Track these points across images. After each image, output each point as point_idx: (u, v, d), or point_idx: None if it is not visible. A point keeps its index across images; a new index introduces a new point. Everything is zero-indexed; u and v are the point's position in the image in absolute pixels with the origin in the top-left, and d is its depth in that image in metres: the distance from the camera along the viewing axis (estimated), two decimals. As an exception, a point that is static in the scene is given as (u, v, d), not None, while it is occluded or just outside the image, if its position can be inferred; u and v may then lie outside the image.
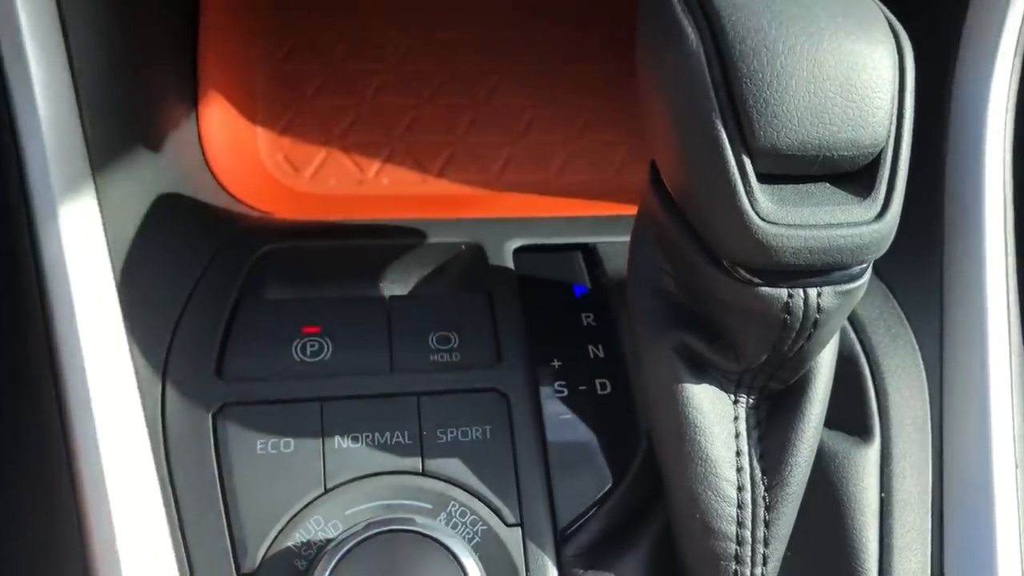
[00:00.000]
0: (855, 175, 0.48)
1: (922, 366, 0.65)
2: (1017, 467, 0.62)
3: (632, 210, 0.75)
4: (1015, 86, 0.70)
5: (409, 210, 0.75)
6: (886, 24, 0.48)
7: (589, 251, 0.70)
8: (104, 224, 0.59)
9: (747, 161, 0.45)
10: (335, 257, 0.68)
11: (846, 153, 0.46)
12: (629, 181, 0.82)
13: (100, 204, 0.60)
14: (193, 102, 0.76)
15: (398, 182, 0.80)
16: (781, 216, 0.46)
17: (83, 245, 0.58)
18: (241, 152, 0.78)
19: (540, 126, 0.85)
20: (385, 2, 0.91)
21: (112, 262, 0.59)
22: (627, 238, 0.66)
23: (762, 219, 0.45)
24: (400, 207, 0.76)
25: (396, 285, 0.68)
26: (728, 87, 0.45)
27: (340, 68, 0.86)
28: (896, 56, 0.47)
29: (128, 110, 0.66)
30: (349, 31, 0.88)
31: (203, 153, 0.75)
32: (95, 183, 0.60)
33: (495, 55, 0.89)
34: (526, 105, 0.86)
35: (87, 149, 0.60)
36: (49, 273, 0.57)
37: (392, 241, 0.68)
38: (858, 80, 0.45)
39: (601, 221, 0.73)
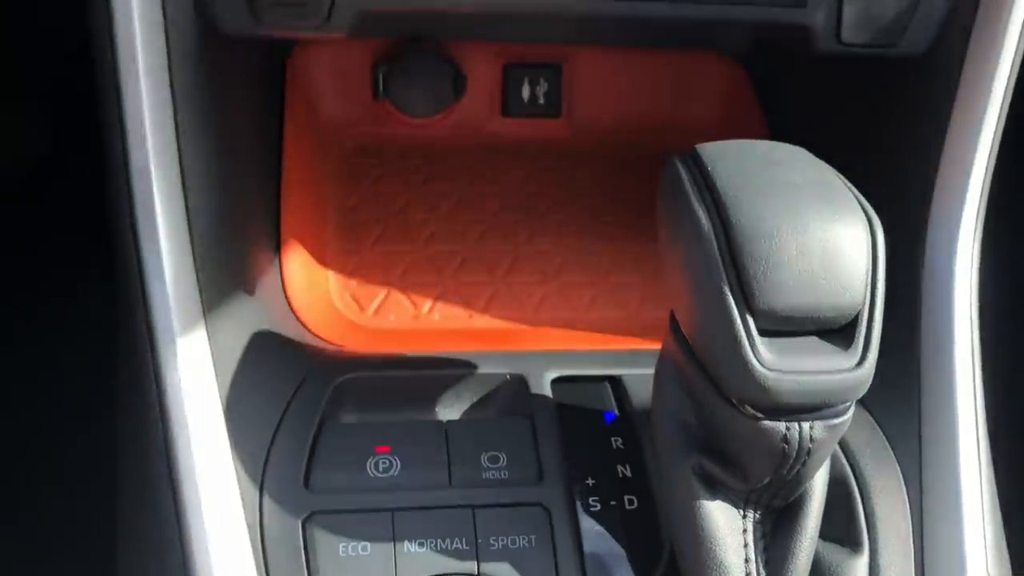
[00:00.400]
0: (838, 331, 0.59)
1: (904, 486, 0.75)
2: (988, 574, 0.71)
3: (650, 344, 0.87)
4: (978, 245, 0.83)
5: (458, 343, 0.87)
6: (859, 208, 0.60)
7: (617, 382, 0.81)
8: (213, 358, 0.71)
9: (750, 320, 0.57)
10: (399, 386, 0.79)
11: (830, 315, 0.58)
12: (647, 318, 0.94)
13: (209, 340, 0.72)
14: (276, 250, 0.89)
15: (448, 317, 0.92)
16: (779, 365, 0.57)
17: (196, 376, 0.70)
18: (315, 293, 0.90)
19: (569, 269, 0.98)
20: (435, 160, 1.06)
21: (219, 390, 0.70)
22: (648, 371, 0.78)
23: (763, 367, 0.57)
24: (451, 340, 0.88)
25: (451, 410, 0.79)
26: (734, 263, 0.57)
27: (398, 218, 0.99)
28: (869, 236, 0.59)
29: (230, 259, 0.79)
30: (405, 186, 1.03)
31: (285, 294, 0.87)
32: (205, 322, 0.72)
33: (529, 208, 1.03)
34: (556, 251, 0.99)
35: (199, 293, 0.73)
36: (169, 400, 0.68)
37: (447, 372, 0.80)
38: (837, 258, 0.57)
39: (626, 355, 0.85)
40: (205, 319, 0.72)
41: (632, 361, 0.83)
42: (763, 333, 0.58)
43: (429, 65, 1.03)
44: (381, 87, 1.03)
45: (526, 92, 1.08)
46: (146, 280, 0.71)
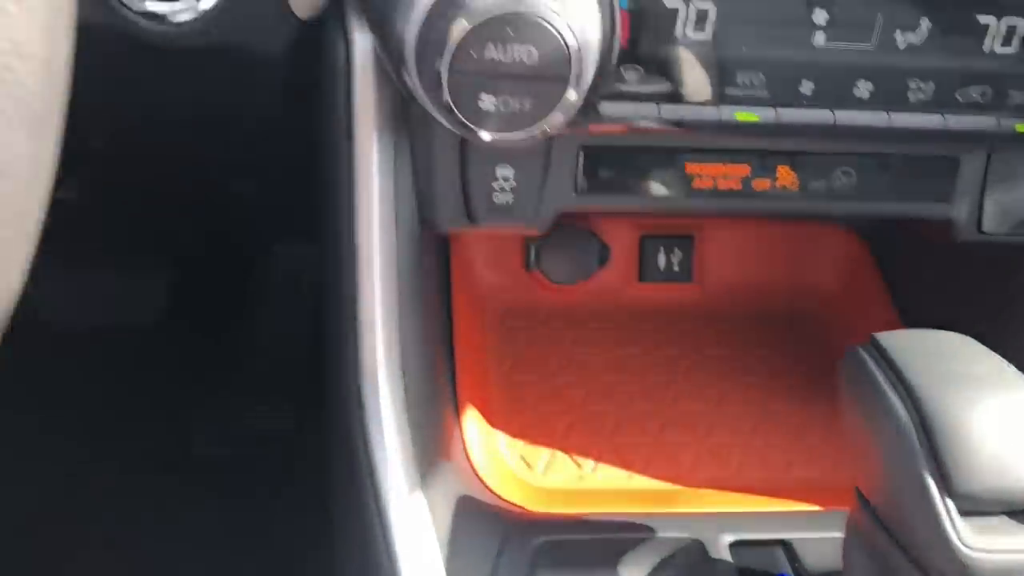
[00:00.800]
0: None
1: None
2: None
3: (806, 505, 0.93)
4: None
5: (625, 503, 0.93)
6: None
7: (788, 546, 0.87)
8: (434, 524, 0.78)
9: (950, 503, 0.64)
10: (586, 548, 0.86)
11: (1021, 497, 0.65)
12: (797, 479, 1.01)
13: (429, 508, 0.79)
14: (457, 418, 0.97)
15: (610, 478, 0.99)
16: (977, 543, 0.63)
17: (422, 543, 0.77)
18: (490, 455, 0.98)
19: (716, 430, 1.05)
20: (579, 324, 1.15)
21: (441, 553, 0.77)
22: (814, 534, 0.84)
23: (965, 547, 0.63)
24: (617, 500, 0.95)
25: (636, 570, 0.85)
26: (933, 451, 0.64)
27: (552, 381, 1.08)
28: None
29: (430, 426, 0.87)
30: (555, 348, 1.11)
31: (468, 458, 0.95)
32: (423, 491, 0.80)
33: (671, 370, 1.11)
34: (701, 412, 1.07)
35: (416, 465, 0.81)
36: (401, 570, 0.75)
37: (628, 535, 0.86)
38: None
39: (791, 519, 0.91)
40: (422, 487, 0.80)
41: (798, 525, 0.89)
42: (960, 514, 0.64)
43: (576, 239, 1.14)
44: (533, 259, 1.13)
45: (661, 260, 1.18)
46: (372, 456, 0.79)
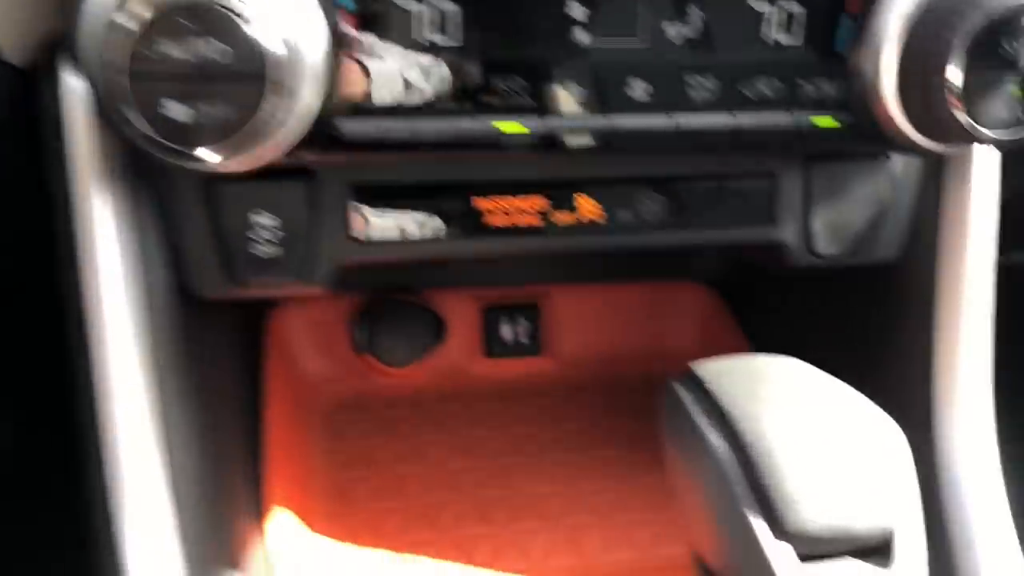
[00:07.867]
0: (876, 549, 0.55)
1: None
2: None
3: (670, 585, 0.80)
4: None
5: None
6: (879, 415, 0.57)
7: None
8: None
9: (785, 547, 0.53)
10: None
11: (865, 534, 0.54)
12: (663, 556, 0.88)
13: None
14: (260, 517, 0.84)
15: None
16: None
17: None
18: (303, 564, 0.84)
19: (573, 512, 0.93)
20: (422, 408, 1.03)
21: None
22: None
23: None
24: None
25: None
26: (756, 485, 0.54)
27: (387, 474, 0.95)
28: (894, 442, 0.56)
29: (213, 530, 0.73)
30: (392, 438, 0.99)
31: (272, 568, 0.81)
32: None
33: (523, 451, 0.99)
34: (556, 493, 0.95)
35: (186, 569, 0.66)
36: None
37: None
38: (866, 468, 0.54)
39: None
40: None
41: None
42: (802, 558, 0.53)
43: (408, 315, 1.03)
44: (362, 340, 1.02)
45: (507, 333, 1.07)
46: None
